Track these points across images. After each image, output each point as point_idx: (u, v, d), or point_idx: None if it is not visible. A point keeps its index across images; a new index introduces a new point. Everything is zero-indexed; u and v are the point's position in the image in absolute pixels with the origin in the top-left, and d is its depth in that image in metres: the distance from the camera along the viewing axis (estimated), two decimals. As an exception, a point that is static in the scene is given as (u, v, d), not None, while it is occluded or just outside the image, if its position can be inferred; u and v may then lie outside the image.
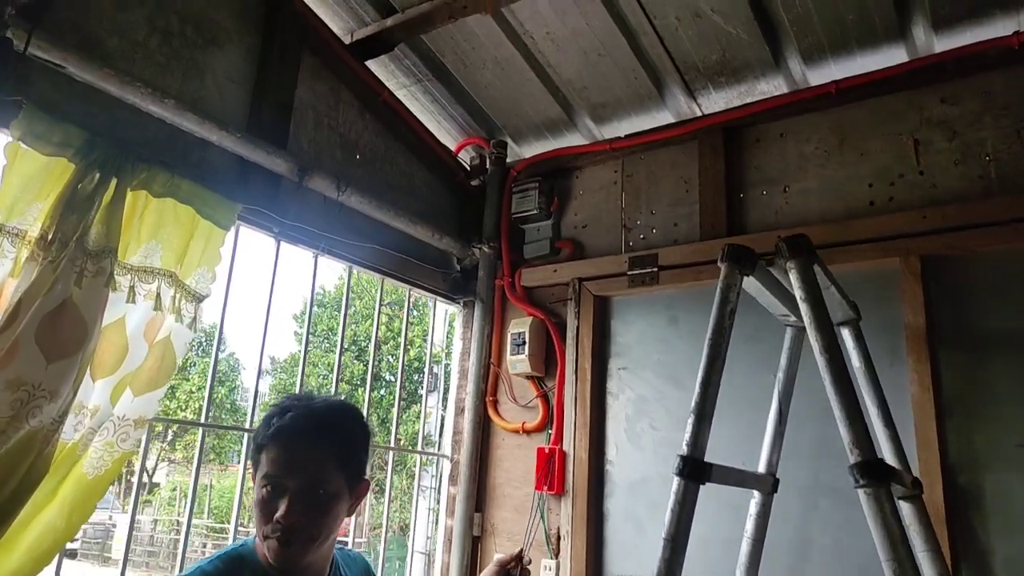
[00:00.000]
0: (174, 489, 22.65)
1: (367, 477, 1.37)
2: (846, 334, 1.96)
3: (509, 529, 2.78)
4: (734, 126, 2.62)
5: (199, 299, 2.04)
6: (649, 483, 2.49)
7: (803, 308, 1.48)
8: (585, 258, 2.88)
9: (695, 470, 1.48)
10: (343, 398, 1.50)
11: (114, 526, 19.55)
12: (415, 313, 22.59)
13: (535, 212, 2.98)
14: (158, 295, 1.94)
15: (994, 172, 2.14)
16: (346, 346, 20.15)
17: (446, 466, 3.01)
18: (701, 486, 1.50)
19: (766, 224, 2.50)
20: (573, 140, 3.09)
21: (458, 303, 3.15)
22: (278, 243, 2.42)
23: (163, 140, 2.08)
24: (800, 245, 1.51)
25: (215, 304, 2.22)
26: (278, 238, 2.41)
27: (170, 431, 21.63)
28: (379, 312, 3.01)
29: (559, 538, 2.63)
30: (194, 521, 18.50)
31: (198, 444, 2.39)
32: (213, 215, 2.08)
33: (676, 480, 1.49)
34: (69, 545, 2.15)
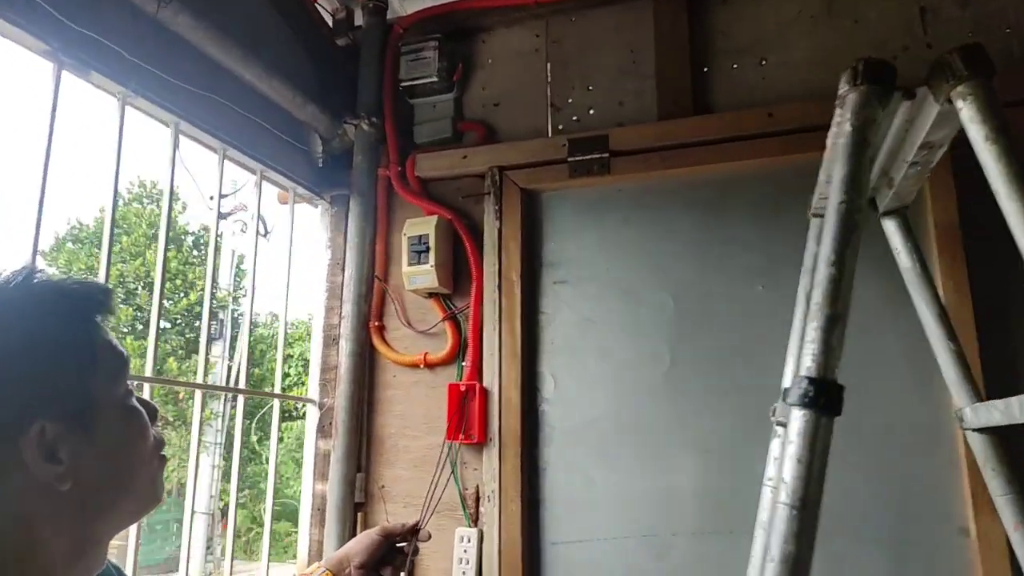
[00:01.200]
0: None
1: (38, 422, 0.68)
2: (891, 227, 1.55)
3: (406, 491, 2.13)
4: (699, -20, 2.10)
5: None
6: (599, 426, 1.97)
7: (989, 152, 1.00)
8: (499, 142, 2.23)
9: (832, 397, 0.95)
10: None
11: None
12: (196, 253, 20.28)
13: (433, 81, 2.26)
14: None
15: (1016, 47, 1.84)
16: (111, 287, 17.46)
17: (312, 414, 2.25)
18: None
19: (738, 101, 2.03)
20: (477, -6, 2.39)
21: (323, 199, 2.35)
22: (58, 68, 1.48)
23: None
24: (980, 59, 1.02)
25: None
26: (59, 57, 1.47)
27: None
28: (220, 201, 2.11)
29: (478, 499, 2.03)
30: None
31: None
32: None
33: (801, 416, 0.96)
34: None
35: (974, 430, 1.39)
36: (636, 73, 2.15)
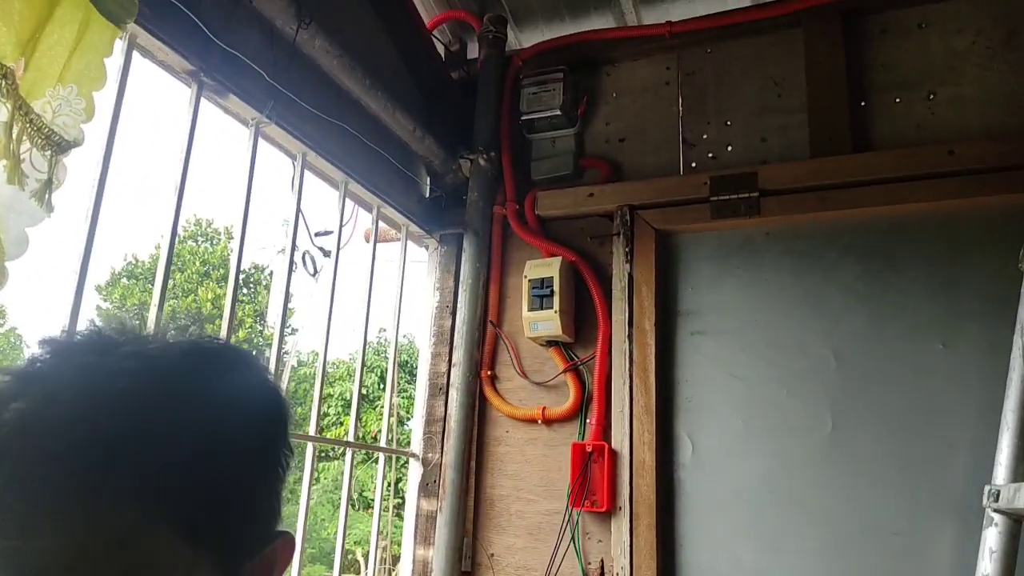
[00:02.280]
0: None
1: (283, 530, 0.52)
2: None
3: (519, 562, 1.91)
4: (853, 9, 1.93)
5: (60, 147, 0.99)
6: (747, 498, 1.74)
7: None
8: (624, 180, 2.07)
9: None
10: (214, 342, 0.54)
11: None
12: (244, 290, 20.59)
13: (555, 115, 2.12)
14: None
15: None
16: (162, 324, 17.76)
17: (415, 470, 2.07)
18: None
19: (903, 139, 1.84)
20: (598, 25, 2.27)
21: (433, 237, 2.21)
22: (199, 89, 1.37)
23: None
24: None
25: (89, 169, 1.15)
26: (200, 78, 1.35)
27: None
28: (340, 233, 1.96)
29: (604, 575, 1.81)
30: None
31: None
32: (96, -13, 1.03)
33: None
34: None
35: (1004, 512, 1.17)
36: (781, 107, 1.98)
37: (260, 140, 1.58)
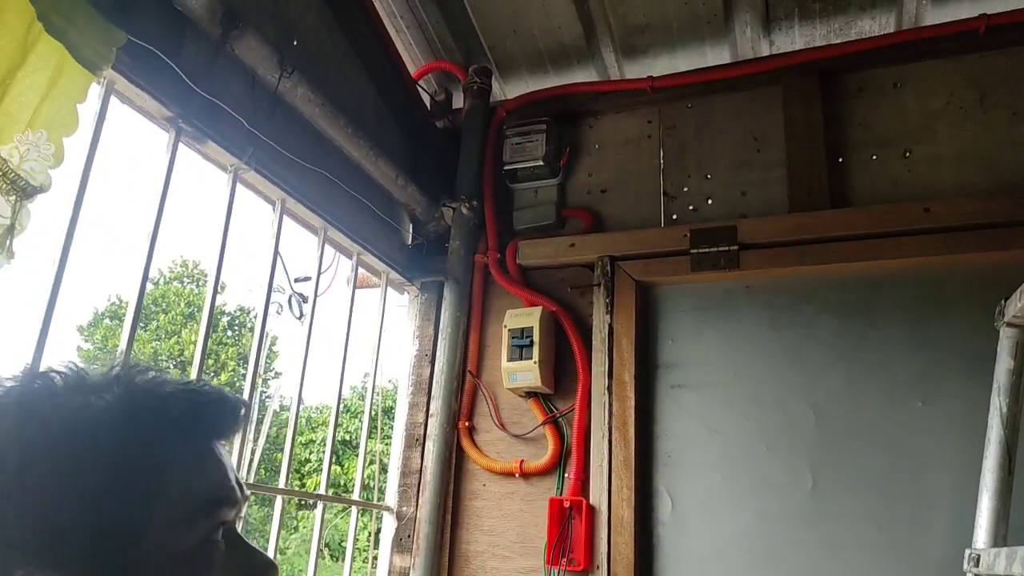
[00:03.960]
0: None
1: None
2: (1011, 338, 1.34)
3: (494, 622, 1.85)
4: (831, 69, 1.97)
5: (26, 192, 0.97)
6: (726, 558, 1.70)
7: None
8: (605, 231, 2.07)
9: None
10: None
11: None
12: (229, 333, 20.37)
13: (537, 165, 2.13)
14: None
15: None
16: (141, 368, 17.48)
17: (389, 524, 2.01)
18: None
19: (880, 196, 1.86)
20: (581, 78, 2.31)
21: (413, 285, 2.19)
22: (177, 135, 1.36)
23: None
24: None
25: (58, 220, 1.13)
26: (179, 124, 1.35)
27: None
28: (318, 280, 1.93)
29: (581, 637, 1.75)
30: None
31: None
32: (70, 33, 1.03)
33: None
34: None
35: None
36: (760, 162, 2.00)
37: (239, 186, 1.57)
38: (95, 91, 1.19)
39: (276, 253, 1.72)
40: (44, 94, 1.00)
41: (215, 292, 1.53)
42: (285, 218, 1.74)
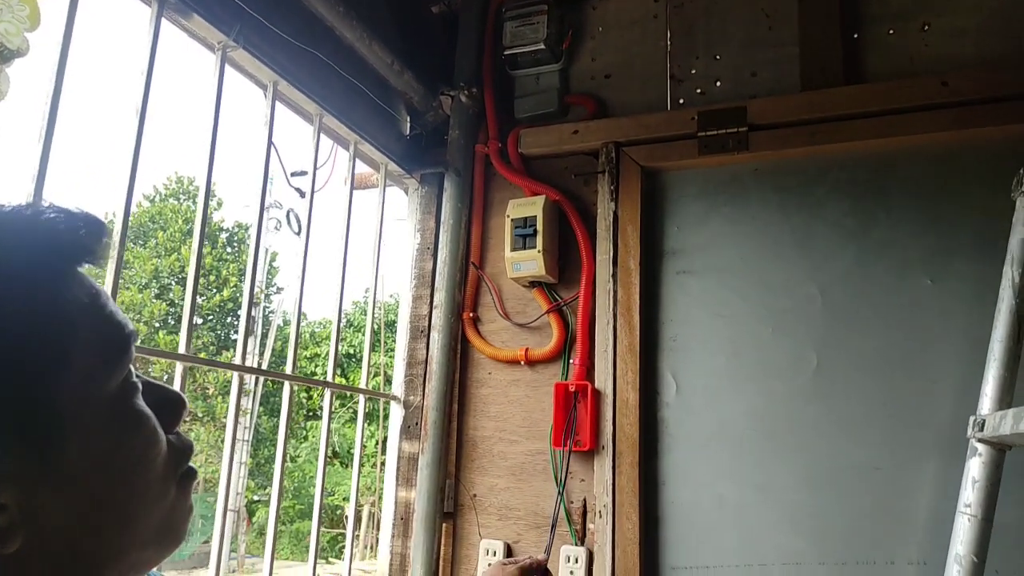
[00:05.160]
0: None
1: None
2: None
3: (502, 502, 1.91)
4: (849, -63, 1.86)
5: (2, 56, 0.92)
6: (730, 436, 1.73)
7: None
8: (610, 117, 2.01)
9: None
10: None
11: None
12: (229, 249, 20.36)
13: (539, 50, 2.04)
14: None
15: None
16: (145, 282, 17.60)
17: (396, 413, 2.04)
18: None
19: (896, 70, 1.79)
20: (585, -43, 2.18)
21: (413, 177, 2.15)
22: (160, 8, 1.29)
23: None
24: None
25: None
26: (161, -5, 1.28)
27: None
28: (315, 174, 1.88)
29: (585, 514, 1.81)
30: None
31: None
32: None
33: None
34: None
35: (987, 441, 1.18)
36: (772, 41, 1.91)
37: (229, 68, 1.51)
38: (68, -47, 1.11)
39: (270, 142, 1.67)
40: (13, -53, 0.93)
41: (207, 193, 1.47)
42: (278, 105, 1.68)
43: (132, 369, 0.50)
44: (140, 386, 0.50)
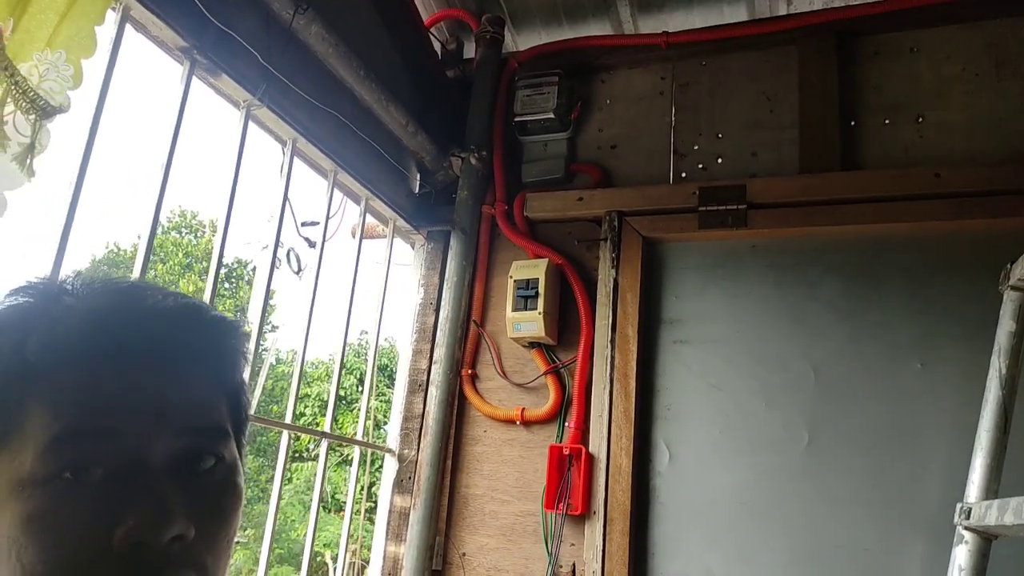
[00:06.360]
0: None
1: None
2: (1015, 301, 1.37)
3: (491, 562, 1.90)
4: (848, 31, 1.96)
5: (45, 111, 0.97)
6: (720, 509, 1.74)
7: None
8: (613, 187, 2.07)
9: None
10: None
11: None
12: (226, 285, 20.39)
13: (548, 118, 2.12)
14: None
15: None
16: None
17: (391, 466, 2.05)
18: None
19: (891, 161, 1.86)
20: (595, 32, 2.28)
21: (419, 233, 2.20)
22: (191, 67, 1.36)
23: None
24: None
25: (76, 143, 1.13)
26: (193, 56, 1.34)
27: None
28: (326, 225, 1.92)
29: (574, 580, 1.80)
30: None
31: None
32: (90, -47, 1.02)
33: None
34: None
35: (974, 530, 1.20)
36: (773, 123, 1.99)
37: (251, 124, 1.57)
38: (111, 17, 1.18)
39: (286, 196, 1.72)
40: (63, 13, 0.99)
41: (226, 232, 1.53)
42: (295, 160, 1.73)
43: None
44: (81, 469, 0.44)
